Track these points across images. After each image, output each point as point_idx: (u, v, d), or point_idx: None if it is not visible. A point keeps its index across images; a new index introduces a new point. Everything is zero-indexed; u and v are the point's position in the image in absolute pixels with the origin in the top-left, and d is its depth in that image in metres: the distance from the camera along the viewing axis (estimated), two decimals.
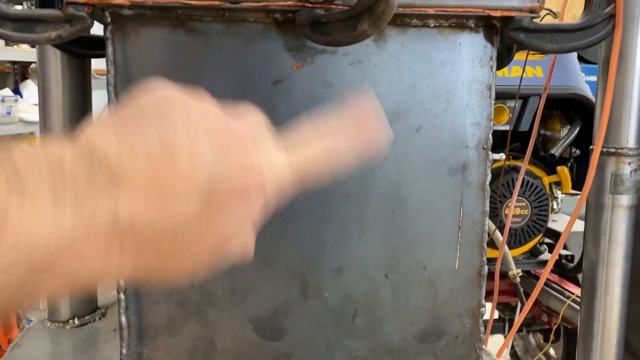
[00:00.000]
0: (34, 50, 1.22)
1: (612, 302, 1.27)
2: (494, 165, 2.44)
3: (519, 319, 1.36)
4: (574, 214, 1.20)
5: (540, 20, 2.19)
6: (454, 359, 1.06)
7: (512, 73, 2.40)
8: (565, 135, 2.49)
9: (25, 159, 0.38)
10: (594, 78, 1.21)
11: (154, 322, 0.97)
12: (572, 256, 2.72)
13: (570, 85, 2.45)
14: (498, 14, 0.92)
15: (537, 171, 2.56)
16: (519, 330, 3.07)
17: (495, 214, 2.37)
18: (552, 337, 2.79)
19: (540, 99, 1.82)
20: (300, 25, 0.88)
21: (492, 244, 2.38)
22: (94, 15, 0.86)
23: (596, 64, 1.22)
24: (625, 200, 1.22)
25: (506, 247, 2.42)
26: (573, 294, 2.51)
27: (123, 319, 0.96)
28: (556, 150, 2.42)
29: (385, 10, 0.75)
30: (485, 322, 1.09)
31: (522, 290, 2.51)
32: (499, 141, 2.28)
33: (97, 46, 1.14)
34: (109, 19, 0.87)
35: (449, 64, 0.97)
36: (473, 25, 0.96)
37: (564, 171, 2.51)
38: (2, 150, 0.38)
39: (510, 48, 1.14)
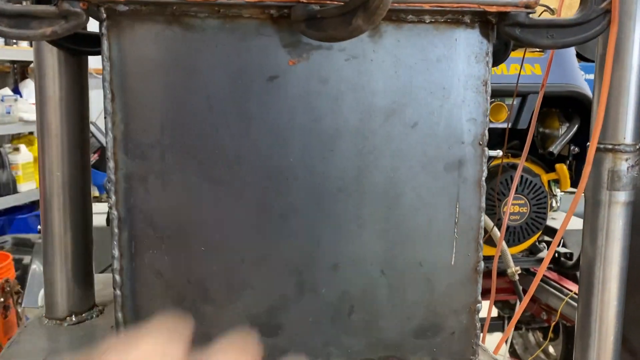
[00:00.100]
0: None
1: (609, 299, 1.27)
2: (493, 163, 2.45)
3: (515, 315, 1.36)
4: (570, 210, 1.20)
5: (538, 16, 2.19)
6: (451, 355, 1.06)
7: (510, 70, 2.40)
8: (564, 133, 2.49)
9: None
10: (593, 76, 1.22)
11: (151, 318, 0.97)
12: (571, 254, 2.72)
13: (569, 83, 2.45)
14: (494, 9, 0.92)
15: (536, 169, 2.56)
16: (519, 328, 3.08)
17: (493, 212, 2.37)
18: (550, 334, 2.79)
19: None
20: (296, 21, 0.88)
21: (490, 241, 2.38)
22: (89, 11, 0.86)
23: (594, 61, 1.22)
24: (622, 196, 1.22)
25: (505, 245, 2.42)
26: (572, 291, 2.51)
27: (120, 315, 0.96)
28: (555, 148, 2.42)
29: (379, 6, 0.75)
30: (483, 319, 1.09)
31: (520, 288, 2.51)
32: (498, 139, 2.29)
33: (93, 43, 1.14)
34: (104, 15, 0.88)
35: (445, 59, 0.97)
36: (469, 21, 0.96)
37: (562, 169, 2.51)
38: None
39: (507, 44, 1.14)
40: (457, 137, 0.99)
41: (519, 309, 1.35)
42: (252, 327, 1.00)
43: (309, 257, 1.00)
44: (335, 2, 0.86)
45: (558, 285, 2.65)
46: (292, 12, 0.88)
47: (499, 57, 1.14)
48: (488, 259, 1.84)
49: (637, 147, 1.21)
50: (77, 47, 1.15)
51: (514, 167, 2.49)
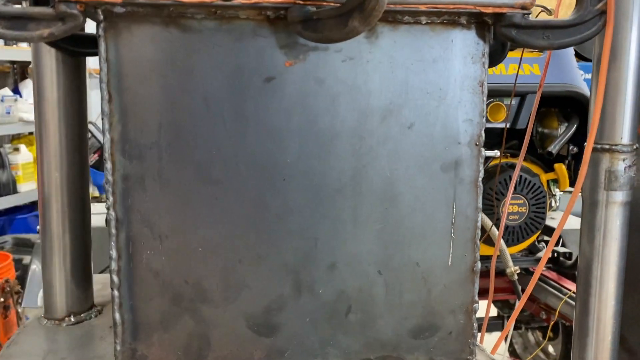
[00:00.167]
0: None
1: (607, 298, 1.28)
2: (492, 163, 2.45)
3: (513, 314, 1.37)
4: (567, 210, 1.20)
5: (536, 17, 2.19)
6: (448, 355, 1.06)
7: (509, 71, 2.40)
8: (562, 132, 2.49)
9: None
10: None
11: (148, 319, 0.98)
12: (570, 253, 2.72)
13: (568, 83, 2.45)
14: (489, 10, 0.92)
15: (535, 169, 2.56)
16: (518, 327, 3.08)
17: (492, 212, 2.38)
18: (549, 334, 2.79)
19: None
20: (292, 22, 0.88)
21: (489, 241, 2.39)
22: (86, 13, 0.86)
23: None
24: (619, 196, 1.23)
25: (504, 245, 2.42)
26: (570, 290, 2.51)
27: (117, 315, 0.97)
28: (553, 148, 2.43)
29: (375, 7, 0.75)
30: (482, 319, 1.09)
31: (519, 287, 2.51)
32: (498, 138, 2.29)
33: (91, 44, 1.15)
34: (102, 17, 0.88)
35: (441, 60, 0.97)
36: (465, 22, 0.96)
37: (561, 169, 2.51)
38: None
39: (504, 45, 1.15)
40: (453, 138, 1.00)
41: (517, 307, 1.35)
42: (250, 327, 1.00)
43: (306, 257, 1.00)
44: (332, 4, 0.86)
45: (557, 285, 2.66)
46: (289, 14, 0.88)
47: (496, 57, 1.14)
48: (487, 258, 1.85)
49: (634, 147, 1.22)
50: (75, 49, 1.15)
51: (512, 166, 2.49)
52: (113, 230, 0.94)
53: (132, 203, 0.94)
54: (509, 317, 3.02)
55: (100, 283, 1.40)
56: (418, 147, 1.00)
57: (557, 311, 2.52)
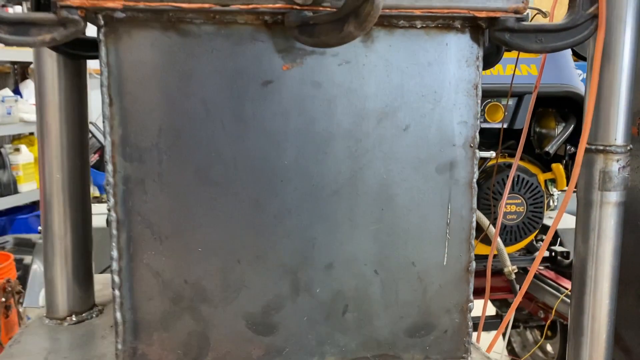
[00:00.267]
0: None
1: (601, 297, 1.29)
2: (490, 163, 2.46)
3: (509, 312, 1.38)
4: (560, 210, 1.22)
5: (532, 19, 2.21)
6: (443, 353, 1.08)
7: (507, 71, 2.42)
8: (559, 132, 2.51)
9: None
10: None
11: (149, 318, 1.00)
12: (568, 252, 2.74)
13: (565, 83, 2.47)
14: (483, 14, 0.94)
15: (533, 168, 2.58)
16: (516, 326, 3.10)
17: (489, 211, 2.39)
18: (545, 332, 2.80)
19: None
20: (289, 27, 0.90)
21: (487, 240, 2.40)
22: (87, 18, 0.88)
23: None
24: (613, 196, 1.24)
25: (501, 244, 2.44)
26: (567, 289, 2.53)
27: (118, 315, 0.98)
28: (551, 148, 2.44)
29: (370, 12, 0.77)
30: (477, 318, 1.11)
31: (517, 286, 2.53)
32: (495, 139, 2.31)
33: (92, 47, 1.16)
34: (102, 22, 0.90)
35: (436, 64, 0.99)
36: (459, 26, 0.98)
37: (559, 168, 2.53)
38: None
39: (498, 48, 1.16)
40: (448, 140, 1.02)
41: (513, 305, 1.37)
42: (248, 326, 1.02)
43: (304, 258, 1.02)
44: (328, 9, 0.88)
45: (554, 284, 2.67)
46: (286, 19, 0.90)
47: (491, 59, 1.16)
48: (485, 257, 1.86)
49: (628, 148, 1.23)
50: (75, 52, 1.17)
51: (510, 166, 2.51)
52: (114, 231, 0.96)
53: (132, 204, 0.95)
54: None
55: (101, 283, 1.42)
56: (413, 149, 1.01)
57: (554, 310, 2.53)
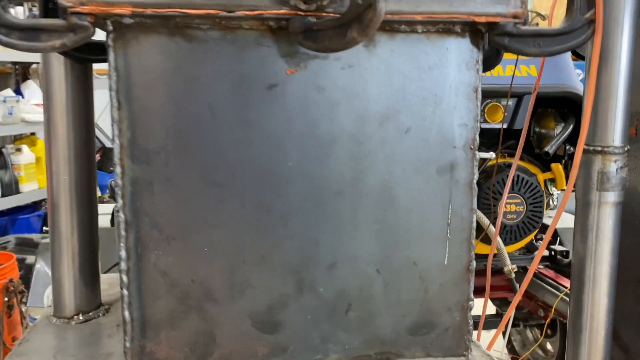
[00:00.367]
0: None
1: (600, 296, 1.31)
2: (490, 163, 2.49)
3: (509, 310, 1.41)
4: (559, 209, 1.24)
5: (531, 21, 2.23)
6: (444, 351, 1.10)
7: (506, 72, 2.44)
8: (559, 133, 2.53)
9: None
10: None
11: (156, 317, 1.02)
12: (567, 252, 2.76)
13: (564, 84, 2.49)
14: (483, 19, 0.96)
15: (532, 168, 2.60)
16: (516, 325, 3.12)
17: (489, 211, 2.41)
18: (545, 330, 2.82)
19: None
20: (293, 32, 0.92)
21: (488, 240, 2.42)
22: (96, 24, 0.90)
23: None
24: (611, 197, 1.26)
25: (501, 243, 2.46)
26: (567, 288, 2.55)
27: (126, 314, 1.01)
28: (550, 148, 2.46)
29: (373, 19, 0.79)
30: (477, 316, 1.13)
31: (517, 285, 2.55)
32: (496, 138, 2.33)
33: (99, 51, 1.18)
34: (111, 28, 0.92)
35: (437, 67, 1.01)
36: (459, 31, 1.00)
37: (558, 168, 2.55)
38: None
39: (498, 50, 1.18)
40: (448, 142, 1.04)
41: (512, 303, 1.39)
42: (253, 325, 1.04)
43: (307, 258, 1.04)
44: (331, 15, 0.90)
45: (554, 283, 2.69)
46: (290, 24, 0.92)
47: (490, 62, 1.18)
48: (485, 257, 1.89)
49: (626, 149, 1.25)
50: (82, 55, 1.19)
51: (510, 166, 2.53)
52: (122, 232, 0.98)
53: (140, 206, 0.98)
54: None
55: (107, 282, 1.44)
56: (415, 150, 1.03)
57: (553, 308, 2.56)
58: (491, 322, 2.79)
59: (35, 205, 5.52)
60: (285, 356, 1.06)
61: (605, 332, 1.33)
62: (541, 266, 2.82)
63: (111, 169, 2.80)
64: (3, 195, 4.88)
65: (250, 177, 1.00)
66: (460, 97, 1.02)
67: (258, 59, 0.96)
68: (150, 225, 0.99)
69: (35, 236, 4.40)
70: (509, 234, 2.52)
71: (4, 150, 5.01)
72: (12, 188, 5.01)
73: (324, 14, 0.90)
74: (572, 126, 2.51)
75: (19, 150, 5.14)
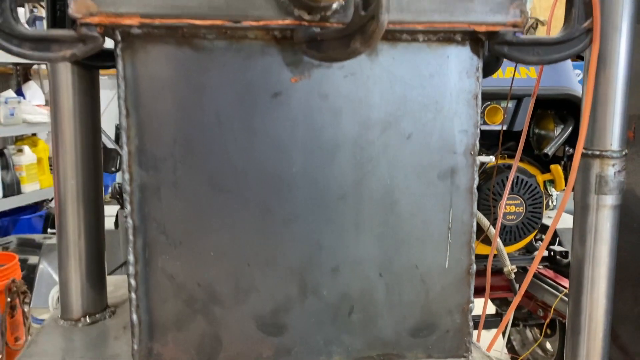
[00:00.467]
0: None
1: (598, 297, 1.33)
2: (490, 164, 2.51)
3: (509, 310, 1.43)
4: (558, 212, 1.26)
5: (529, 27, 2.25)
6: (445, 352, 1.12)
7: (506, 74, 2.46)
8: (558, 134, 2.55)
9: None
10: None
11: (163, 320, 1.04)
12: (567, 252, 2.78)
13: (563, 86, 2.51)
14: (483, 28, 0.98)
15: (532, 169, 2.62)
16: (516, 325, 3.14)
17: (489, 212, 2.43)
18: (544, 330, 2.85)
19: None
20: (298, 42, 0.94)
21: (487, 241, 2.44)
22: (105, 34, 0.92)
23: None
24: (609, 200, 1.28)
25: (501, 244, 2.48)
26: (566, 288, 2.57)
27: (134, 316, 1.03)
28: (549, 150, 2.49)
29: (375, 30, 0.81)
30: (477, 316, 1.15)
31: (517, 285, 2.58)
32: (495, 140, 2.35)
33: (106, 58, 1.20)
34: (120, 37, 0.94)
35: (438, 75, 1.03)
36: (460, 39, 1.02)
37: (557, 169, 2.57)
38: None
39: (498, 57, 1.20)
40: (449, 148, 1.06)
41: (513, 304, 1.41)
42: (258, 327, 1.06)
43: (311, 261, 1.06)
44: (335, 25, 0.92)
45: (553, 283, 2.71)
46: (294, 34, 0.94)
47: (491, 67, 1.20)
48: (485, 257, 1.91)
49: (624, 153, 1.27)
50: (90, 62, 1.21)
51: (509, 168, 2.55)
52: (131, 237, 1.00)
53: (148, 211, 1.00)
54: None
55: (112, 284, 1.46)
56: (416, 156, 1.06)
57: (553, 308, 2.58)
58: (491, 322, 2.82)
59: (36, 206, 5.54)
60: (290, 358, 1.08)
61: (603, 334, 1.36)
62: (540, 266, 2.84)
63: (112, 169, 2.81)
64: (5, 196, 4.90)
65: (255, 183, 1.02)
66: (461, 104, 1.04)
67: (263, 67, 0.98)
68: (157, 230, 1.01)
69: (37, 236, 4.43)
70: (509, 235, 2.55)
71: (5, 151, 5.03)
72: (13, 189, 5.03)
73: (328, 24, 0.92)
74: (571, 128, 2.53)
75: (20, 151, 5.16)
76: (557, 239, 2.97)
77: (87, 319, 1.31)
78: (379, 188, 1.06)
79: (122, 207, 2.90)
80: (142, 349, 1.04)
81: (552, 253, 2.82)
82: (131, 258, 1.01)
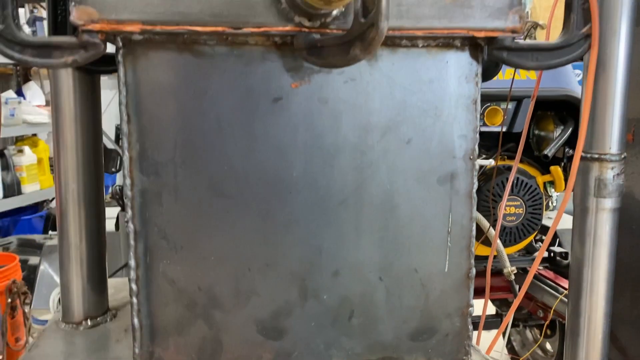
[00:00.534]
0: None
1: (597, 300, 1.33)
2: (489, 166, 2.51)
3: (509, 311, 1.43)
4: (558, 213, 1.27)
5: (528, 31, 2.25)
6: (444, 356, 1.13)
7: (506, 76, 2.46)
8: (558, 135, 2.55)
9: None
10: None
11: (164, 324, 1.05)
12: (566, 253, 2.78)
13: (563, 87, 2.51)
14: (482, 34, 0.99)
15: (532, 171, 2.62)
16: (516, 325, 3.14)
17: (489, 213, 2.44)
18: (544, 331, 2.85)
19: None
20: (298, 48, 0.95)
21: (488, 242, 2.45)
22: (106, 40, 0.93)
23: None
24: (608, 203, 1.29)
25: (501, 245, 2.49)
26: (566, 289, 2.57)
27: (136, 320, 1.03)
28: (549, 151, 2.49)
29: (375, 37, 0.81)
30: (477, 317, 1.15)
31: (517, 287, 2.58)
32: (495, 141, 2.35)
33: (107, 62, 1.21)
34: (121, 44, 0.94)
35: (437, 80, 1.04)
36: (459, 45, 1.02)
37: (557, 171, 2.57)
38: None
39: (497, 62, 1.21)
40: (449, 152, 1.06)
41: (513, 305, 1.42)
42: (259, 331, 1.07)
43: (312, 265, 1.07)
44: (335, 31, 0.93)
45: (553, 284, 2.72)
46: (295, 41, 0.94)
47: (490, 72, 1.20)
48: (486, 258, 1.91)
49: (622, 156, 1.28)
50: (91, 67, 1.21)
51: (510, 169, 2.55)
52: (132, 242, 1.01)
53: (149, 216, 1.00)
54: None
55: (113, 287, 1.47)
56: (416, 161, 1.06)
57: (553, 309, 2.58)
58: (491, 323, 2.82)
59: (37, 206, 5.54)
60: None
61: (602, 336, 1.36)
62: (540, 267, 2.84)
63: (112, 169, 2.81)
64: (5, 197, 4.90)
65: (256, 187, 1.03)
66: (460, 109, 1.05)
67: (264, 73, 0.99)
68: (158, 235, 1.01)
69: (37, 237, 4.43)
70: (509, 236, 2.55)
71: (5, 151, 5.03)
72: (14, 189, 5.03)
73: (328, 31, 0.93)
74: (571, 129, 2.53)
75: (20, 151, 5.16)
76: (557, 240, 2.98)
77: (89, 322, 1.32)
78: (379, 192, 1.06)
79: (123, 209, 2.91)
80: (143, 352, 1.05)
81: (552, 254, 2.82)
82: (132, 263, 1.01)
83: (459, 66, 1.03)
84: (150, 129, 0.98)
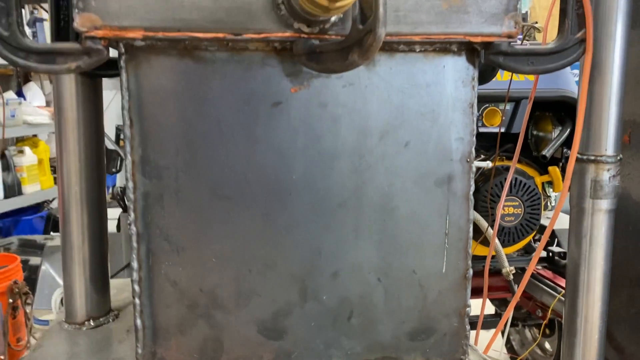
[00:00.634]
0: None
1: (593, 300, 1.35)
2: (487, 167, 2.52)
3: (507, 310, 1.45)
4: (555, 214, 1.28)
5: (525, 33, 2.27)
6: (442, 355, 1.14)
7: (504, 77, 2.47)
8: (556, 136, 2.57)
9: None
10: None
11: (167, 324, 1.06)
12: (564, 253, 2.80)
13: (561, 88, 2.53)
14: (478, 39, 1.00)
15: (530, 171, 2.64)
16: (515, 325, 3.15)
17: (488, 214, 2.45)
18: (542, 330, 2.86)
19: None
20: (297, 54, 0.96)
21: (486, 242, 2.46)
22: (109, 46, 0.94)
23: None
24: (604, 204, 1.30)
25: (499, 245, 2.50)
26: (564, 289, 2.58)
27: (138, 321, 1.05)
28: (547, 151, 2.50)
29: (373, 43, 0.83)
30: (476, 317, 1.17)
31: (515, 286, 2.59)
32: (494, 142, 2.37)
33: (109, 66, 1.22)
34: (123, 50, 0.96)
35: (434, 84, 1.05)
36: (456, 50, 1.04)
37: (555, 171, 2.59)
38: None
39: (493, 66, 1.23)
40: (446, 155, 1.08)
41: (511, 304, 1.43)
42: (259, 331, 1.09)
43: (311, 266, 1.09)
44: (333, 37, 0.94)
45: (552, 284, 2.73)
46: (294, 46, 0.96)
47: (486, 75, 1.22)
48: (484, 258, 1.93)
49: (618, 158, 1.29)
50: (93, 71, 1.23)
51: (508, 169, 2.56)
52: (134, 244, 1.02)
53: (151, 219, 1.02)
54: None
55: (115, 288, 1.48)
56: (413, 163, 1.08)
57: (551, 308, 2.60)
58: (490, 322, 2.84)
59: (37, 207, 5.55)
60: None
61: (599, 335, 1.38)
62: (539, 267, 2.86)
63: (113, 170, 2.82)
64: (6, 197, 4.92)
65: (256, 190, 1.04)
66: (457, 112, 1.07)
67: (264, 78, 1.00)
68: (160, 237, 1.03)
69: (38, 237, 4.45)
70: (507, 236, 2.56)
71: (6, 152, 5.04)
72: (14, 189, 5.05)
73: (327, 37, 0.95)
74: (569, 129, 2.54)
75: (21, 152, 5.17)
76: (556, 239, 2.99)
77: (91, 323, 1.34)
78: (377, 195, 1.08)
79: (124, 210, 2.93)
80: (146, 353, 1.06)
81: (550, 254, 2.84)
82: (135, 264, 1.03)
83: (456, 70, 1.05)
84: (152, 133, 1.00)
